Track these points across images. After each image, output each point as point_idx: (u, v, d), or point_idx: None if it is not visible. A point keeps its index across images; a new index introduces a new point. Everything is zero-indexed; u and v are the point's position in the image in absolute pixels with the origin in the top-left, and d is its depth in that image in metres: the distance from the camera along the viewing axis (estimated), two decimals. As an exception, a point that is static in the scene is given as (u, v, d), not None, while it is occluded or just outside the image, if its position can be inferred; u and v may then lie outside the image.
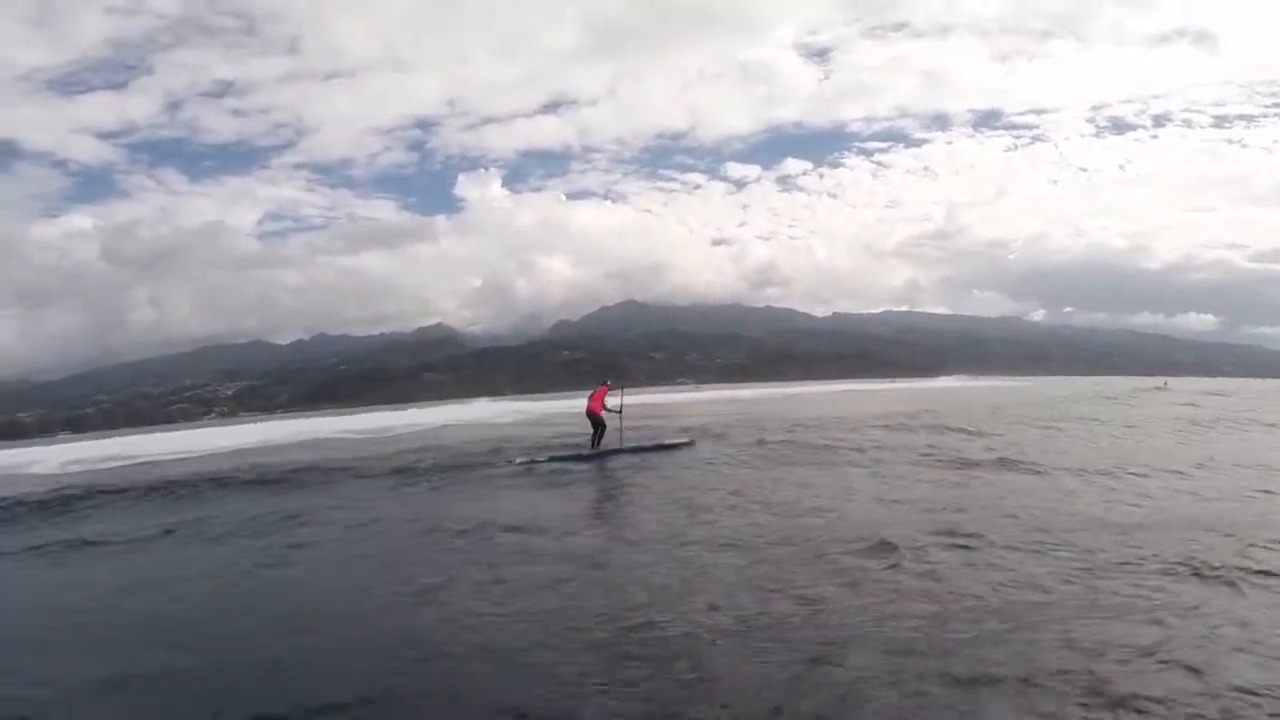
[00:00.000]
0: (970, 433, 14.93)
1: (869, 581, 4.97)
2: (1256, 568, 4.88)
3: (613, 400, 13.85)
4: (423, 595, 5.26)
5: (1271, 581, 4.64)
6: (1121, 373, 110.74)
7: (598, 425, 13.59)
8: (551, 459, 13.03)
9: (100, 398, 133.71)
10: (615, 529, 7.27)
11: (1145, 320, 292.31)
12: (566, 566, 5.76)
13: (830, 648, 3.87)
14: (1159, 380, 50.36)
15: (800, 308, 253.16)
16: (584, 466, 12.43)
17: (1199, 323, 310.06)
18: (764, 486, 9.10)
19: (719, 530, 6.72)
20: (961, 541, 5.82)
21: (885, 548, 5.68)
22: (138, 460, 18.33)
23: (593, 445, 13.60)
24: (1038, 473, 9.26)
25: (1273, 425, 15.96)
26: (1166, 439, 13.61)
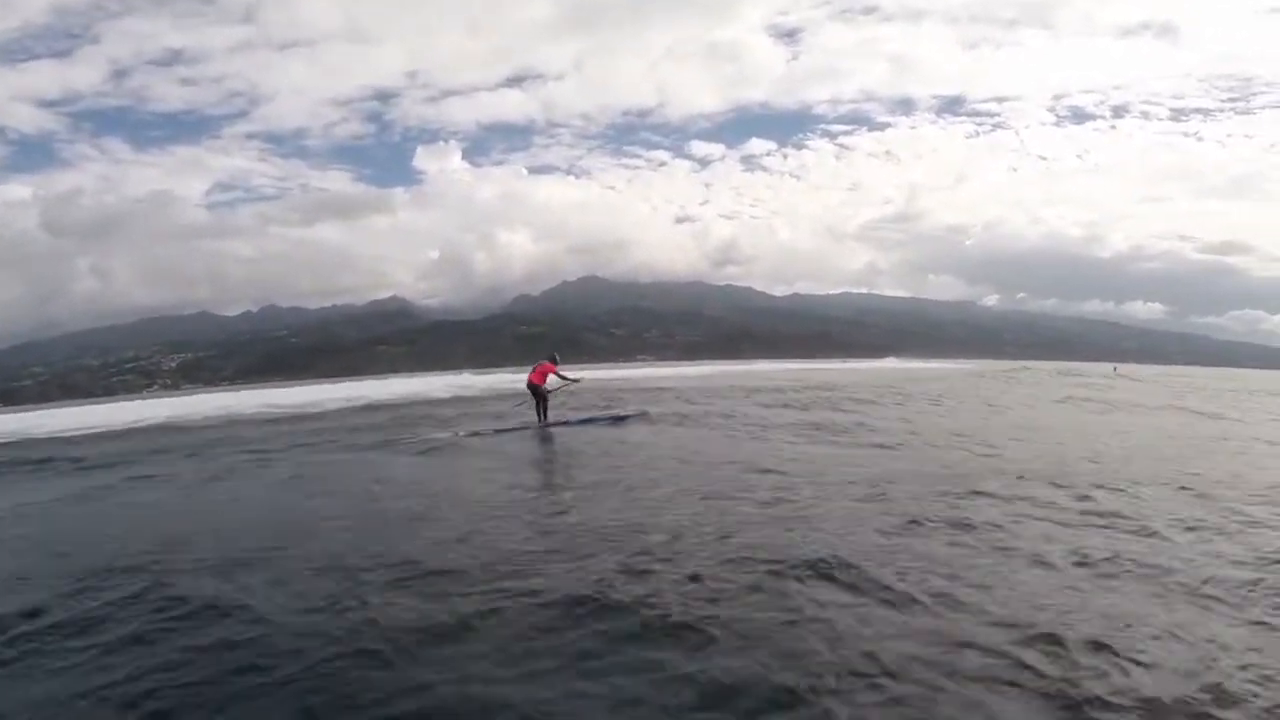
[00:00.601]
0: (832, 406, 16.42)
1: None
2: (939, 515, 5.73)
3: (567, 373, 14.02)
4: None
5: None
6: (1071, 358, 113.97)
7: (540, 398, 13.53)
8: (497, 431, 13.10)
9: (37, 369, 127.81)
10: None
11: (1095, 307, 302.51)
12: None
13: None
14: (1109, 366, 53.76)
15: (760, 287, 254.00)
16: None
17: (1146, 311, 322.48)
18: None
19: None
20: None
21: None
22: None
23: (540, 419, 13.54)
24: (837, 444, 10.23)
25: (1116, 406, 17.79)
26: (1012, 415, 15.08)
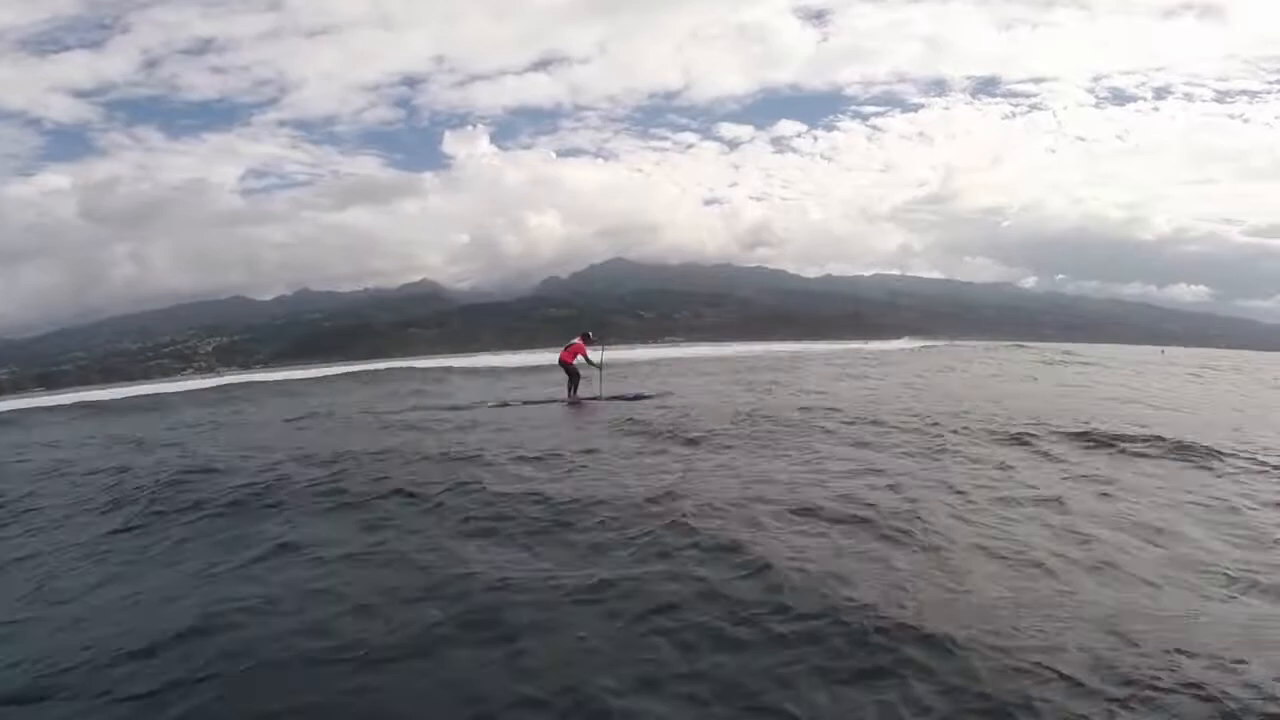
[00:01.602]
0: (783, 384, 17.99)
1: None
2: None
3: (594, 355, 14.26)
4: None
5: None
6: (1110, 340, 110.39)
7: (572, 375, 14.10)
8: (525, 402, 14.27)
9: (77, 354, 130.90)
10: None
11: (1136, 290, 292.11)
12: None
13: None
14: (1157, 349, 53.43)
15: (792, 269, 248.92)
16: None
17: (1190, 294, 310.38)
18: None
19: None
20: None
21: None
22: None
23: (569, 394, 14.13)
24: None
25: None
26: (954, 386, 16.75)
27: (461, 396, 17.59)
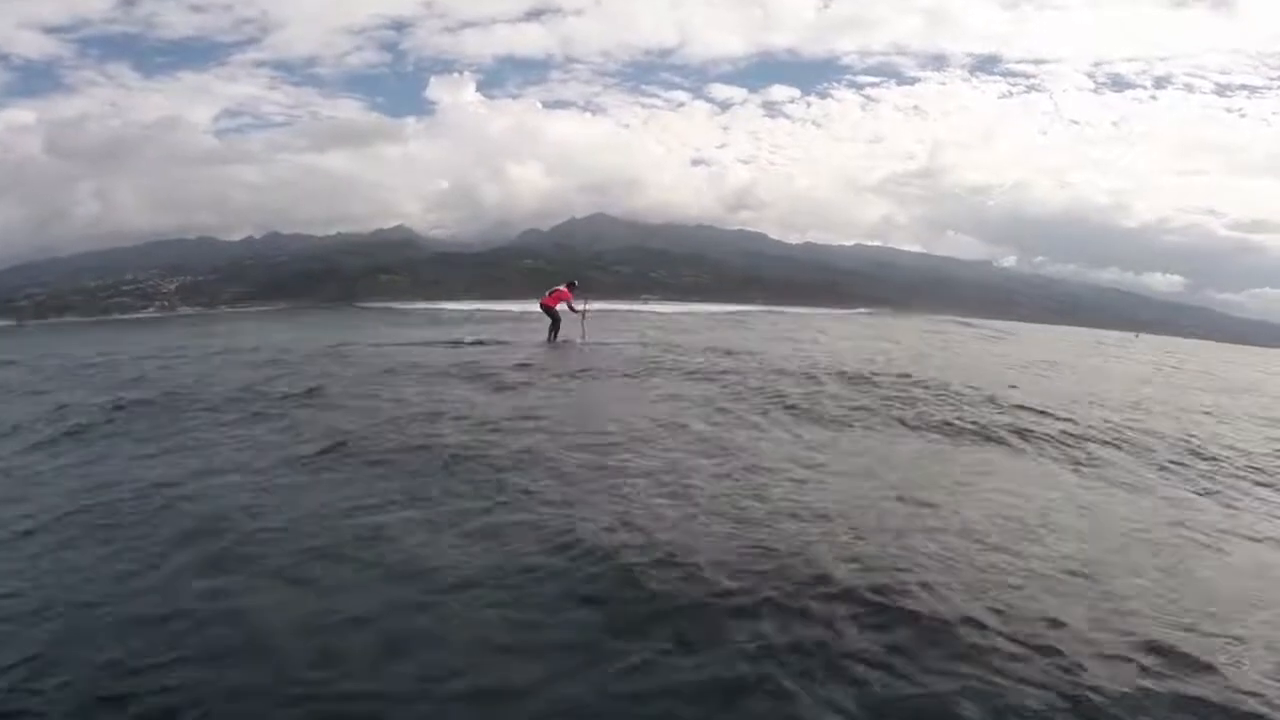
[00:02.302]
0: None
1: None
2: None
3: (578, 305, 15.19)
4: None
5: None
6: (1083, 324, 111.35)
7: (554, 319, 14.91)
8: (500, 341, 15.55)
9: (33, 290, 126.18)
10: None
11: (1114, 276, 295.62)
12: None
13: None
14: (1132, 334, 55.15)
15: (774, 234, 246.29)
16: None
17: (1165, 283, 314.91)
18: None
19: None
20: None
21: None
22: None
23: (550, 337, 14.90)
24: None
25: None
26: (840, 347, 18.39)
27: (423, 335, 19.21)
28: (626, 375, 10.70)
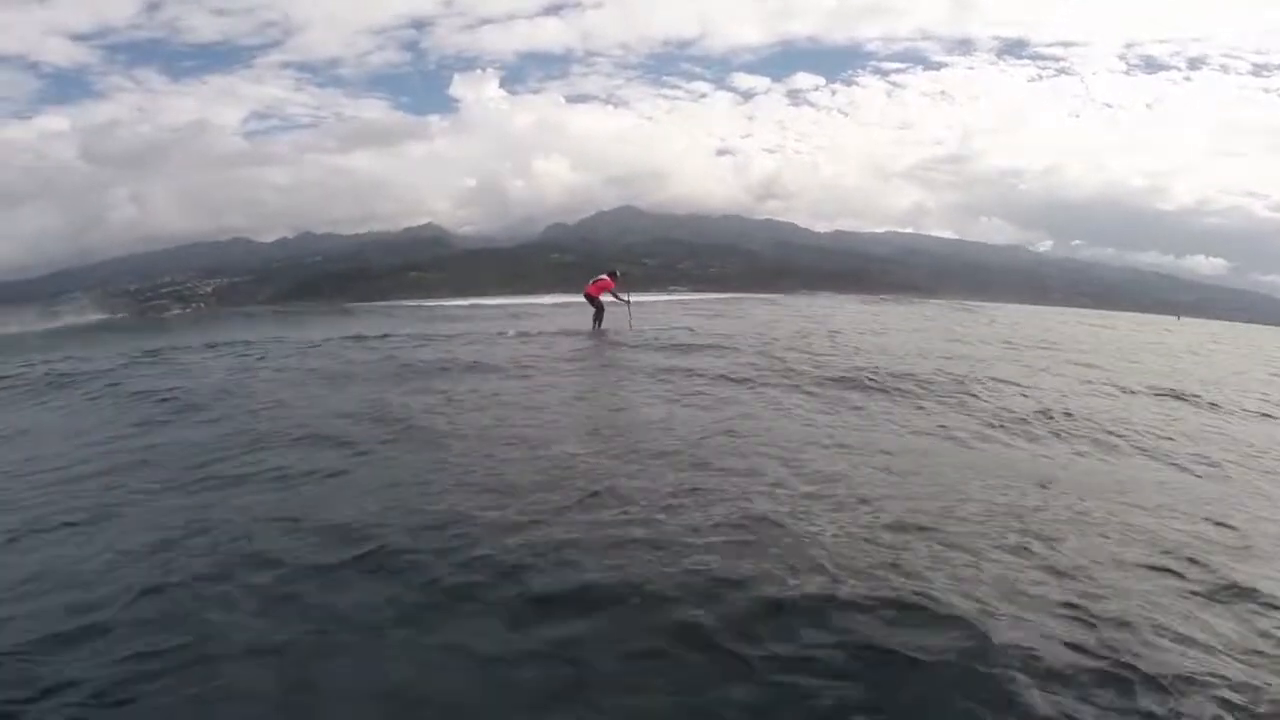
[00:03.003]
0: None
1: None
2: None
3: (623, 295, 15.03)
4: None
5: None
6: (1120, 308, 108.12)
7: (599, 308, 14.81)
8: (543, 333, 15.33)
9: (74, 294, 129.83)
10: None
11: (1154, 259, 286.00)
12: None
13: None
14: (1172, 317, 53.89)
15: (802, 223, 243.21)
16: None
17: (1208, 266, 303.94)
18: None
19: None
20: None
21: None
22: None
23: (595, 326, 14.89)
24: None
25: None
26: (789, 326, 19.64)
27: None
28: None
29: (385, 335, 15.26)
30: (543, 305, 35.29)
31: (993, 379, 10.05)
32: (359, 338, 14.73)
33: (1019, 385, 9.81)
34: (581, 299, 15.46)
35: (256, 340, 15.63)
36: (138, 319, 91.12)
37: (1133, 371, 13.17)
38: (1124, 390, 10.37)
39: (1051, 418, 7.63)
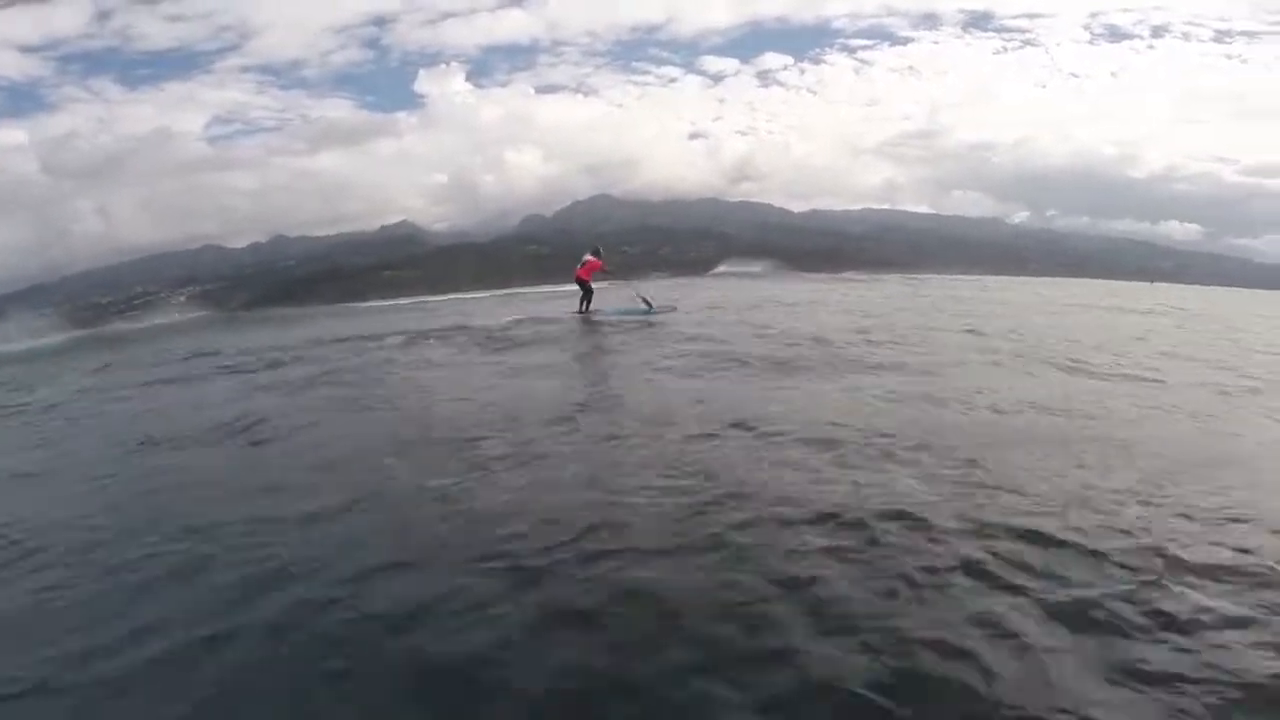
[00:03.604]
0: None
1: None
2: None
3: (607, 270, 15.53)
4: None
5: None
6: (1099, 276, 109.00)
7: (587, 291, 15.40)
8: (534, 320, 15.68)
9: (44, 310, 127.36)
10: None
11: (1128, 226, 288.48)
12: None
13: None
14: (1147, 283, 55.20)
15: (779, 203, 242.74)
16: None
17: (1182, 232, 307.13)
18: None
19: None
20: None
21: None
22: None
23: (583, 308, 15.22)
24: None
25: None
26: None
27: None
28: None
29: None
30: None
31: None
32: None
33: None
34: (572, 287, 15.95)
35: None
36: (107, 329, 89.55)
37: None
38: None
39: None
